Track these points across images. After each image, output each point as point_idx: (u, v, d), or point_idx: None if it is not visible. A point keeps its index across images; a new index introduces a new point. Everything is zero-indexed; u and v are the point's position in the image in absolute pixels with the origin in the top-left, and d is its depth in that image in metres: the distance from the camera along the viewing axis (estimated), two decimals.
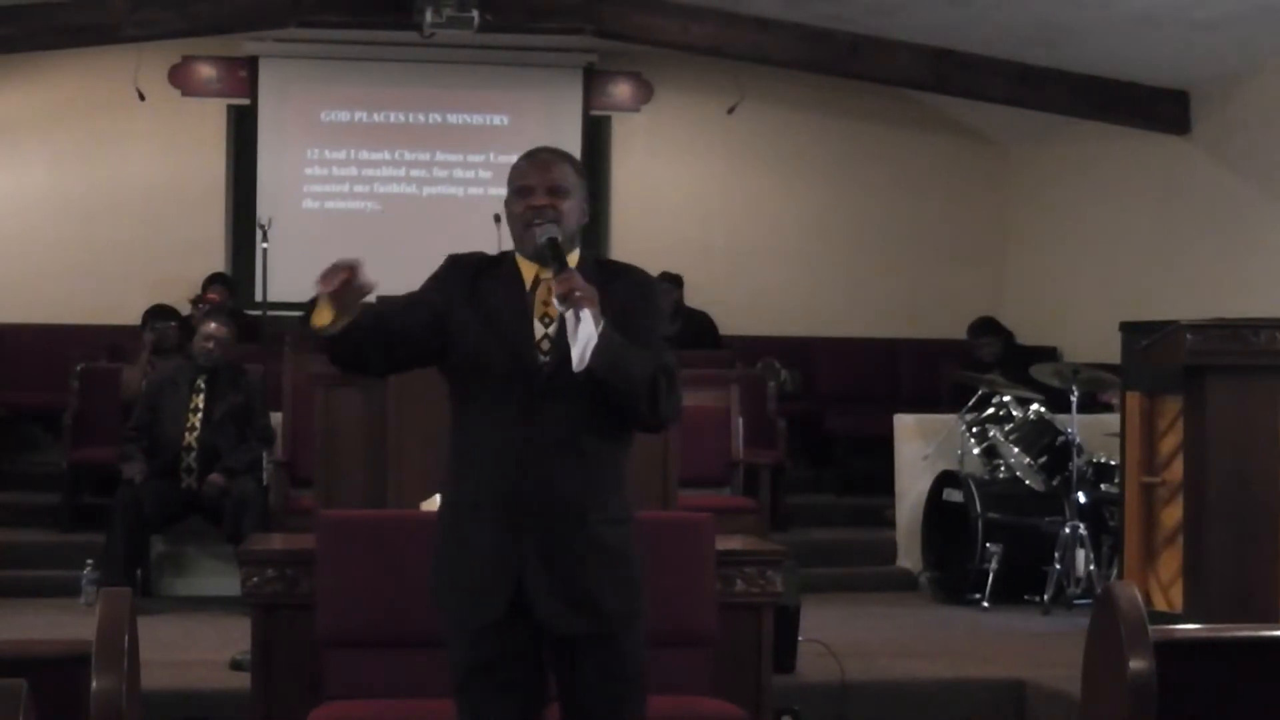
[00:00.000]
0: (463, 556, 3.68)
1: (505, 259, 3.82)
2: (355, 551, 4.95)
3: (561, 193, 3.76)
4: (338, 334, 3.55)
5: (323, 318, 3.53)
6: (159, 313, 10.29)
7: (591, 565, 3.65)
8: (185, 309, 10.79)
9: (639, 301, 3.76)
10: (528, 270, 3.76)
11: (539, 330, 3.70)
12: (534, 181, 3.78)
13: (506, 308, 3.70)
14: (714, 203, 12.25)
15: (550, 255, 3.64)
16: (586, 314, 3.52)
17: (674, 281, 11.64)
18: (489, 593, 3.64)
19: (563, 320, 3.60)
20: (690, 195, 12.30)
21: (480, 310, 3.70)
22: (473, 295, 3.72)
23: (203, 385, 8.50)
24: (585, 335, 3.51)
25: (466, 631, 3.67)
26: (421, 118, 12.08)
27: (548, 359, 3.66)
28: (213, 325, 8.69)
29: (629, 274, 3.84)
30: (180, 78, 11.84)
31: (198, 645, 7.03)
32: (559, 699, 3.74)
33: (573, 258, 3.74)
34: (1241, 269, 9.58)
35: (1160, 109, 10.22)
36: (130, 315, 11.30)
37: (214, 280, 11.15)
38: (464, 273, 3.76)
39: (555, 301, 3.58)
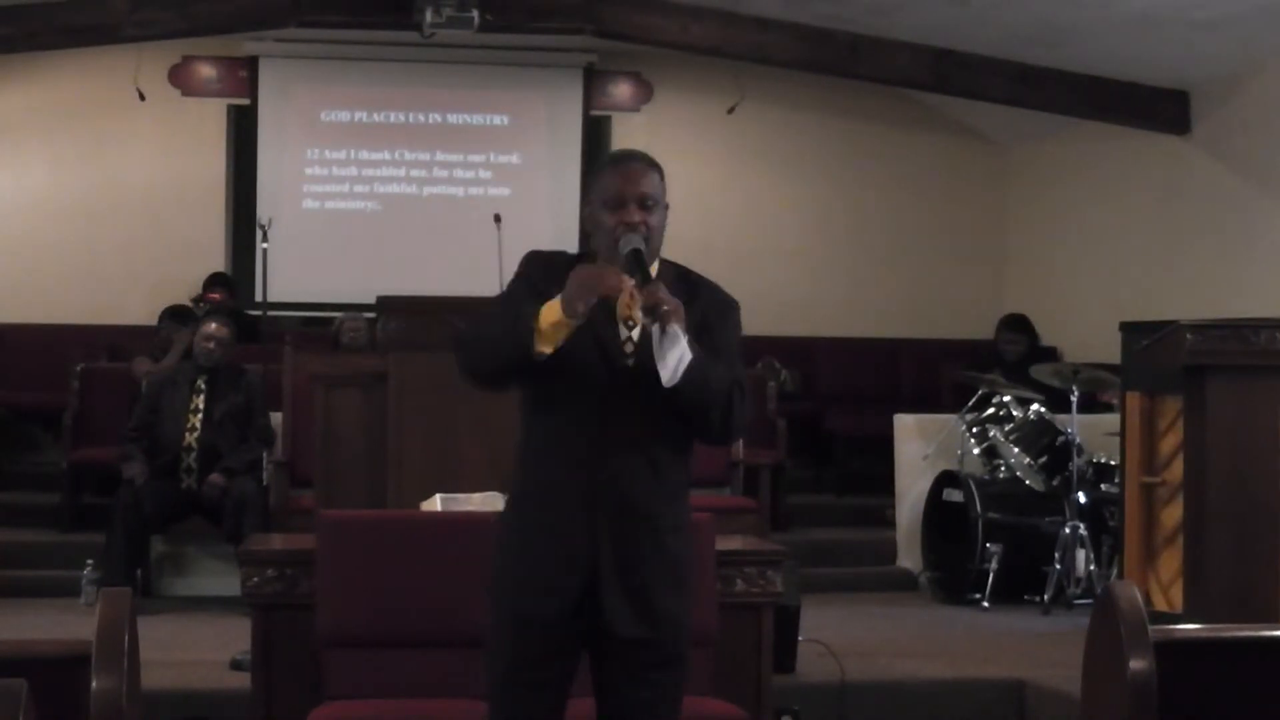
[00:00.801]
0: (534, 550, 3.70)
1: (589, 260, 3.79)
2: (355, 551, 4.96)
3: (652, 205, 3.78)
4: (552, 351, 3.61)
5: (558, 329, 3.59)
6: (178, 314, 10.29)
7: (656, 570, 3.68)
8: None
9: (720, 317, 3.82)
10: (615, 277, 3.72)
11: (623, 333, 3.71)
12: (626, 192, 3.75)
13: (596, 309, 3.67)
14: (714, 203, 12.24)
15: (635, 266, 3.66)
16: (677, 330, 3.56)
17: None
18: (560, 587, 3.66)
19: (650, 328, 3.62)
20: (690, 195, 12.26)
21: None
22: (565, 285, 3.68)
23: (203, 385, 8.51)
24: (679, 352, 3.55)
25: (522, 624, 3.67)
26: (421, 118, 12.09)
27: (631, 362, 3.69)
28: (213, 325, 8.69)
29: (711, 289, 3.89)
30: (180, 78, 11.85)
31: (198, 645, 7.02)
32: (598, 699, 3.75)
33: (654, 267, 3.77)
34: (1241, 269, 9.58)
35: (1160, 109, 10.22)
36: (130, 315, 11.32)
37: (214, 280, 11.15)
38: (551, 271, 3.74)
39: (639, 313, 3.60)
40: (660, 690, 3.73)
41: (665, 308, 3.55)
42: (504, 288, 3.87)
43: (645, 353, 3.64)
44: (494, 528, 3.87)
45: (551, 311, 3.58)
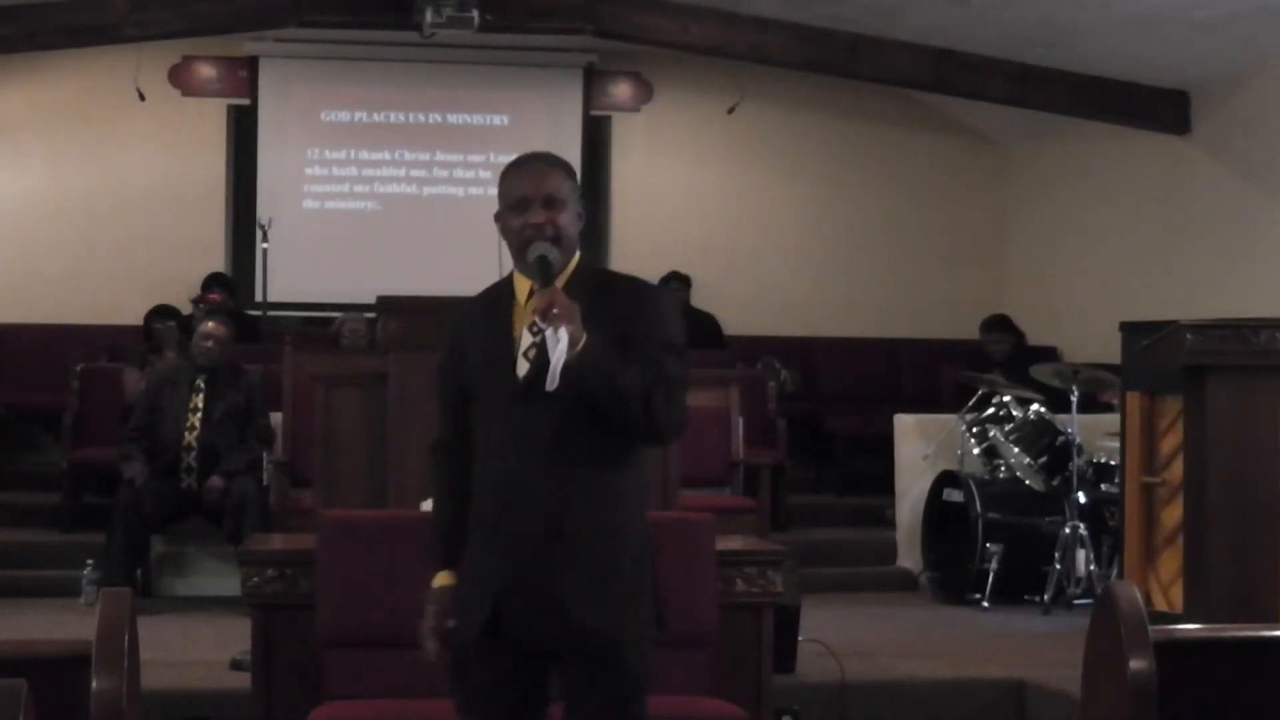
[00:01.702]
0: (462, 572, 3.72)
1: (501, 284, 3.80)
2: (355, 551, 4.96)
3: (558, 204, 3.69)
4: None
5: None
6: (165, 313, 10.30)
7: (569, 582, 3.56)
8: (186, 309, 10.80)
9: (636, 311, 3.66)
10: (523, 284, 3.70)
11: (526, 340, 3.64)
12: (529, 193, 3.68)
13: (498, 325, 3.69)
14: (714, 203, 12.25)
15: (538, 273, 3.58)
16: (562, 332, 3.45)
17: (683, 282, 11.63)
18: (475, 610, 3.63)
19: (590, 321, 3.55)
20: (690, 195, 12.30)
21: (482, 337, 3.73)
22: (474, 328, 3.76)
23: (202, 385, 8.51)
24: (558, 354, 3.46)
25: (458, 647, 3.69)
26: (421, 118, 12.09)
27: (530, 368, 3.60)
28: (211, 324, 8.70)
29: (628, 284, 3.77)
30: (180, 78, 11.85)
31: (198, 645, 7.03)
32: (565, 710, 3.69)
33: (570, 267, 3.69)
34: (1241, 269, 9.58)
35: (1160, 109, 10.22)
36: (130, 316, 11.32)
37: (213, 280, 11.16)
38: (469, 318, 3.80)
39: (536, 319, 3.51)
40: (616, 701, 3.60)
41: (555, 310, 3.46)
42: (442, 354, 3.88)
43: (544, 359, 3.52)
44: None
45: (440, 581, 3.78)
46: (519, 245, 3.65)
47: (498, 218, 3.75)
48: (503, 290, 3.77)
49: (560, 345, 3.47)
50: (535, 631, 3.58)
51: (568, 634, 3.56)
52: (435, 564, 3.79)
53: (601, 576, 3.59)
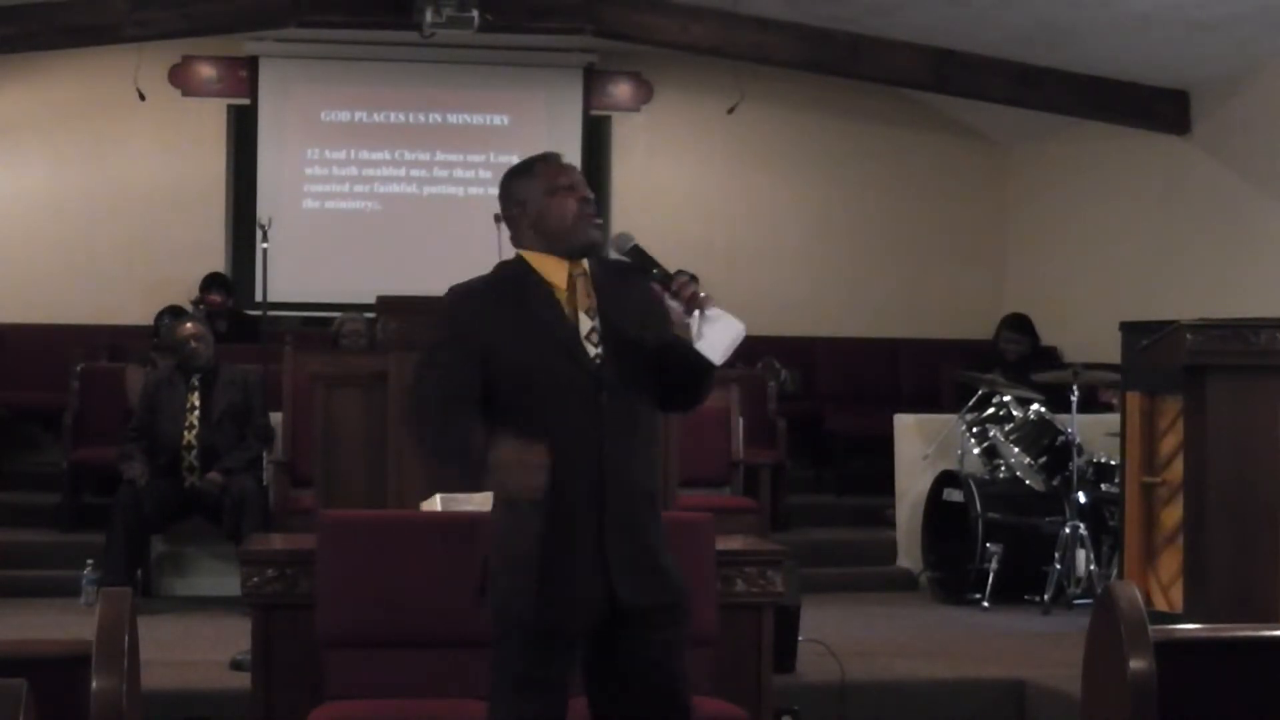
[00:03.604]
0: (548, 560, 3.72)
1: (513, 269, 3.87)
2: (355, 551, 4.96)
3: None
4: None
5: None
6: (176, 314, 10.29)
7: (656, 540, 3.81)
8: (187, 309, 10.79)
9: (657, 297, 3.90)
10: (555, 268, 3.83)
11: (585, 324, 3.79)
12: (574, 180, 3.88)
13: (540, 314, 3.79)
14: (714, 203, 12.25)
15: (644, 258, 3.82)
16: (717, 311, 3.70)
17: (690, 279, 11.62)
18: (583, 596, 3.72)
19: (604, 314, 3.78)
20: (690, 195, 12.30)
21: (519, 324, 3.77)
22: (500, 316, 3.79)
23: (197, 384, 8.52)
24: (728, 327, 3.69)
25: (543, 633, 3.72)
26: (421, 117, 12.09)
27: (599, 350, 3.77)
28: (189, 326, 8.75)
29: (635, 270, 3.91)
30: (180, 78, 11.84)
31: (198, 645, 7.03)
32: (601, 669, 3.80)
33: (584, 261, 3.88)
34: (1241, 269, 9.58)
35: (1160, 109, 10.22)
36: (131, 315, 11.32)
37: (211, 281, 11.16)
38: (478, 303, 3.84)
39: (673, 303, 3.75)
40: (670, 645, 3.81)
41: (701, 294, 3.70)
42: (436, 338, 3.88)
43: (609, 339, 3.76)
44: (491, 537, 3.89)
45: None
46: (573, 223, 3.83)
47: (528, 209, 3.88)
48: (518, 276, 3.85)
49: (732, 324, 3.70)
50: (638, 591, 3.73)
51: (665, 588, 3.79)
52: (478, 451, 3.62)
53: (662, 531, 3.87)
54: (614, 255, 3.98)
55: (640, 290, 3.87)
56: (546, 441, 3.61)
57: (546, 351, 3.74)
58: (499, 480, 3.59)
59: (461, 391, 3.75)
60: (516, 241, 3.94)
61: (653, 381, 3.82)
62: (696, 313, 3.70)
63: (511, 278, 3.86)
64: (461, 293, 3.91)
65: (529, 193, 3.89)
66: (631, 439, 3.78)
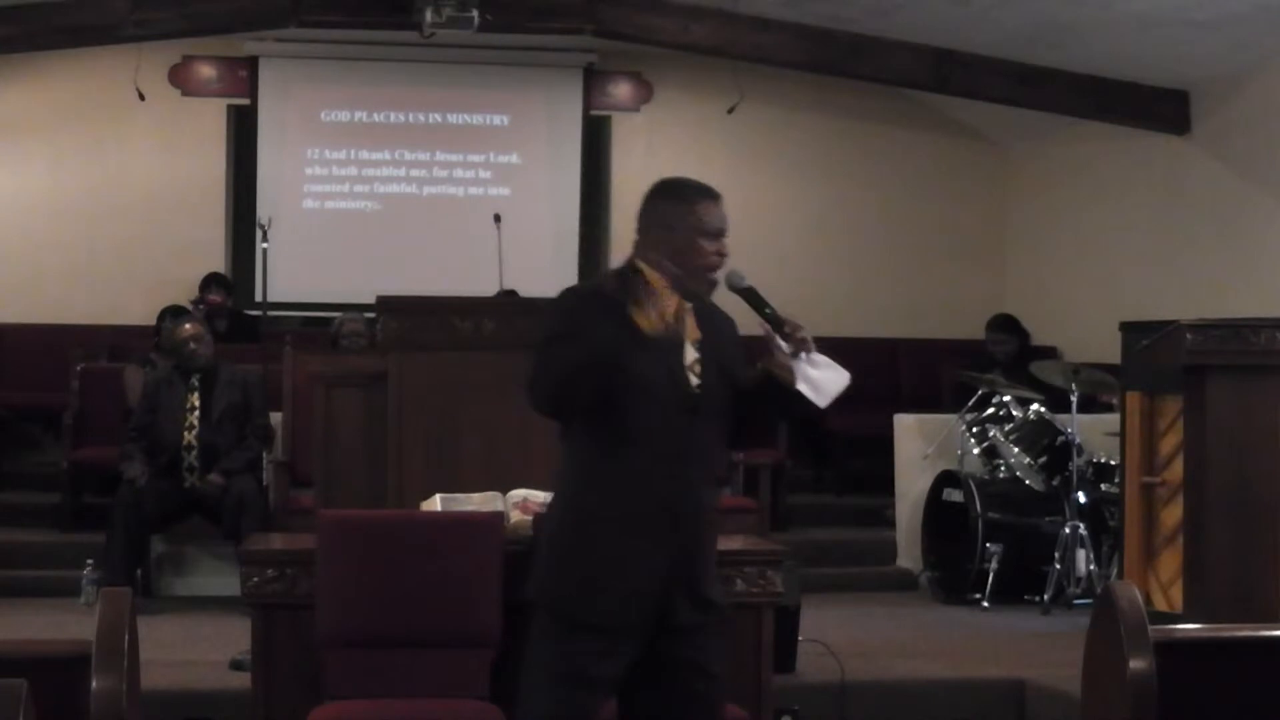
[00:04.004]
0: (613, 565, 3.88)
1: (634, 282, 3.95)
2: (355, 551, 4.96)
3: None
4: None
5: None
6: (177, 314, 10.28)
7: (708, 566, 4.05)
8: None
9: (734, 336, 4.17)
10: (669, 300, 3.95)
11: (690, 354, 3.97)
12: (723, 228, 4.06)
13: (655, 338, 3.90)
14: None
15: (759, 301, 4.05)
16: (823, 359, 3.96)
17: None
18: (641, 597, 3.89)
19: (705, 349, 3.97)
20: None
21: (633, 334, 3.86)
22: (616, 321, 3.87)
23: (197, 384, 8.52)
24: (838, 376, 3.94)
25: (598, 632, 3.87)
26: (421, 117, 12.08)
27: (699, 381, 3.96)
28: (187, 327, 8.74)
29: (722, 314, 4.17)
30: (180, 78, 11.84)
31: (198, 645, 7.03)
32: (642, 668, 3.93)
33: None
34: (1241, 269, 9.58)
35: (1160, 109, 10.22)
36: (131, 315, 11.31)
37: (211, 281, 11.15)
38: (601, 304, 3.91)
39: (782, 344, 3.95)
40: (707, 650, 4.00)
41: (808, 336, 3.97)
42: (549, 333, 3.94)
43: (709, 373, 3.97)
44: (550, 543, 4.01)
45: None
46: (704, 268, 4.00)
47: (659, 232, 4.00)
48: (635, 291, 3.92)
49: (838, 374, 3.95)
50: (686, 609, 3.93)
51: (715, 609, 4.01)
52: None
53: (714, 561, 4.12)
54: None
55: (730, 332, 4.10)
56: (628, 452, 3.86)
57: (651, 367, 3.88)
58: (642, 311, 3.81)
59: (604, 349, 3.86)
60: (642, 254, 4.02)
61: (731, 419, 4.07)
62: (802, 355, 3.90)
63: (632, 290, 3.94)
64: (581, 293, 4.05)
65: (681, 222, 4.00)
66: (706, 467, 4.03)
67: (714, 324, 4.06)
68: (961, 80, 10.26)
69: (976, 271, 12.35)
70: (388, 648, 4.93)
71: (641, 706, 4.00)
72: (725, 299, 4.15)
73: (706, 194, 4.06)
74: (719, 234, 4.02)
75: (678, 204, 4.02)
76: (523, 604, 4.13)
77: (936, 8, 9.37)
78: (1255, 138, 9.57)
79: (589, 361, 3.80)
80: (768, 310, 4.02)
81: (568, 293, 4.06)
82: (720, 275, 4.03)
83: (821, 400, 3.95)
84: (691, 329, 4.00)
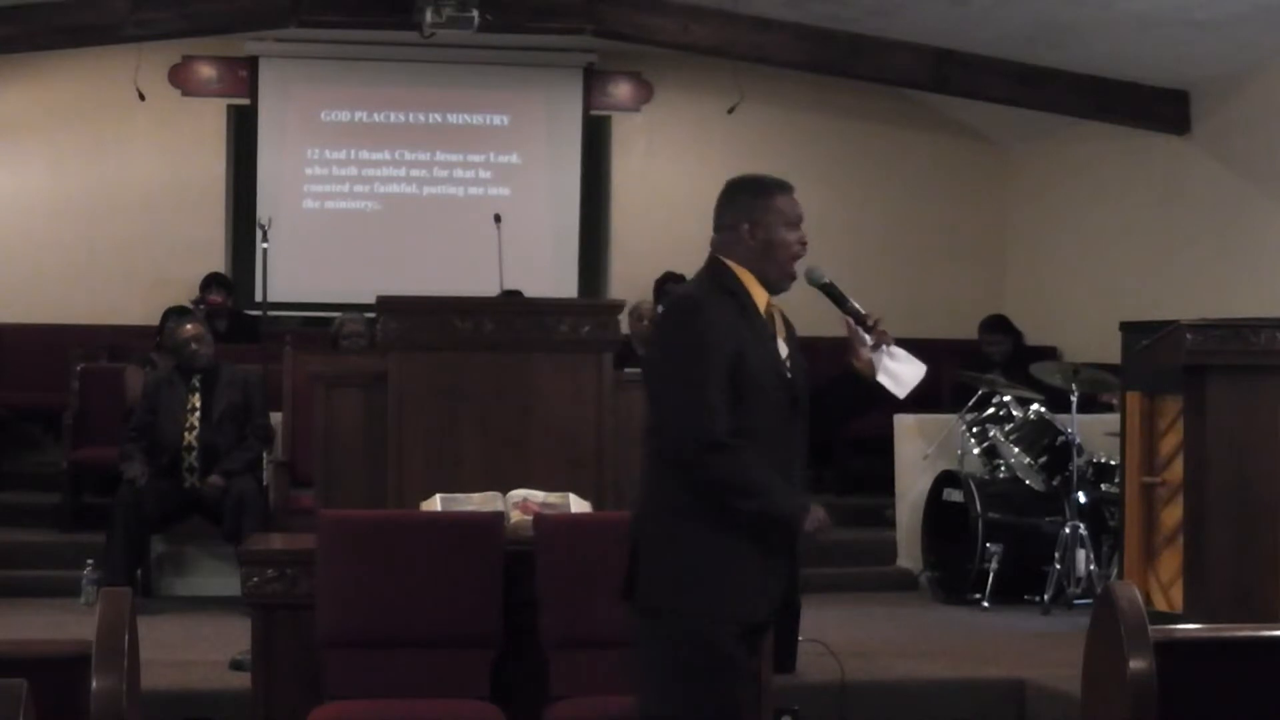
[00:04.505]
0: (744, 560, 3.90)
1: (730, 283, 4.00)
2: (356, 551, 4.96)
3: None
4: None
5: None
6: (176, 314, 10.29)
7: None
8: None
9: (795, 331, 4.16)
10: (759, 293, 4.01)
11: (784, 350, 4.02)
12: (801, 215, 4.08)
13: (764, 332, 3.97)
14: (713, 203, 12.21)
15: (837, 294, 4.11)
16: (901, 351, 4.02)
17: (678, 281, 11.64)
18: (772, 590, 3.97)
19: (790, 342, 4.02)
20: (690, 195, 12.26)
21: (751, 339, 3.92)
22: (738, 326, 3.92)
23: (197, 384, 8.52)
24: (916, 369, 4.02)
25: (743, 632, 3.92)
26: (421, 117, 12.08)
27: (791, 377, 3.99)
28: (189, 327, 8.74)
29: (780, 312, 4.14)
30: (180, 77, 11.84)
31: (198, 645, 7.02)
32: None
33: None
34: (1241, 269, 9.58)
35: (1160, 109, 10.21)
36: (131, 315, 11.32)
37: (211, 281, 11.15)
38: (719, 312, 3.93)
39: (866, 338, 4.02)
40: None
41: (888, 333, 4.03)
42: (687, 351, 3.88)
43: (797, 368, 4.01)
44: (673, 549, 3.93)
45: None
46: (788, 259, 4.04)
47: (746, 228, 4.04)
48: (737, 294, 3.99)
49: (914, 366, 4.04)
50: (795, 598, 4.18)
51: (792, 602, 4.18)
52: (794, 500, 3.91)
53: None
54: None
55: (790, 325, 4.09)
56: (756, 449, 3.87)
57: (765, 369, 3.92)
58: (814, 526, 3.89)
59: (727, 404, 3.86)
60: (725, 251, 4.06)
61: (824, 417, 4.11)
62: (882, 348, 3.98)
63: (729, 290, 3.98)
64: (700, 299, 3.97)
65: (767, 217, 4.04)
66: (803, 459, 4.06)
67: (785, 319, 4.09)
68: (961, 80, 10.25)
69: (976, 271, 12.36)
70: (388, 648, 4.93)
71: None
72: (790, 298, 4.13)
73: (784, 186, 4.11)
74: (799, 223, 4.06)
75: (758, 197, 4.08)
76: (646, 610, 3.97)
77: (936, 8, 9.37)
78: (1255, 138, 9.57)
79: (778, 513, 3.88)
80: (850, 304, 4.07)
81: (681, 306, 4.00)
82: (801, 268, 4.07)
83: (901, 392, 4.03)
84: (780, 325, 4.04)
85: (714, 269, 4.05)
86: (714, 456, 3.82)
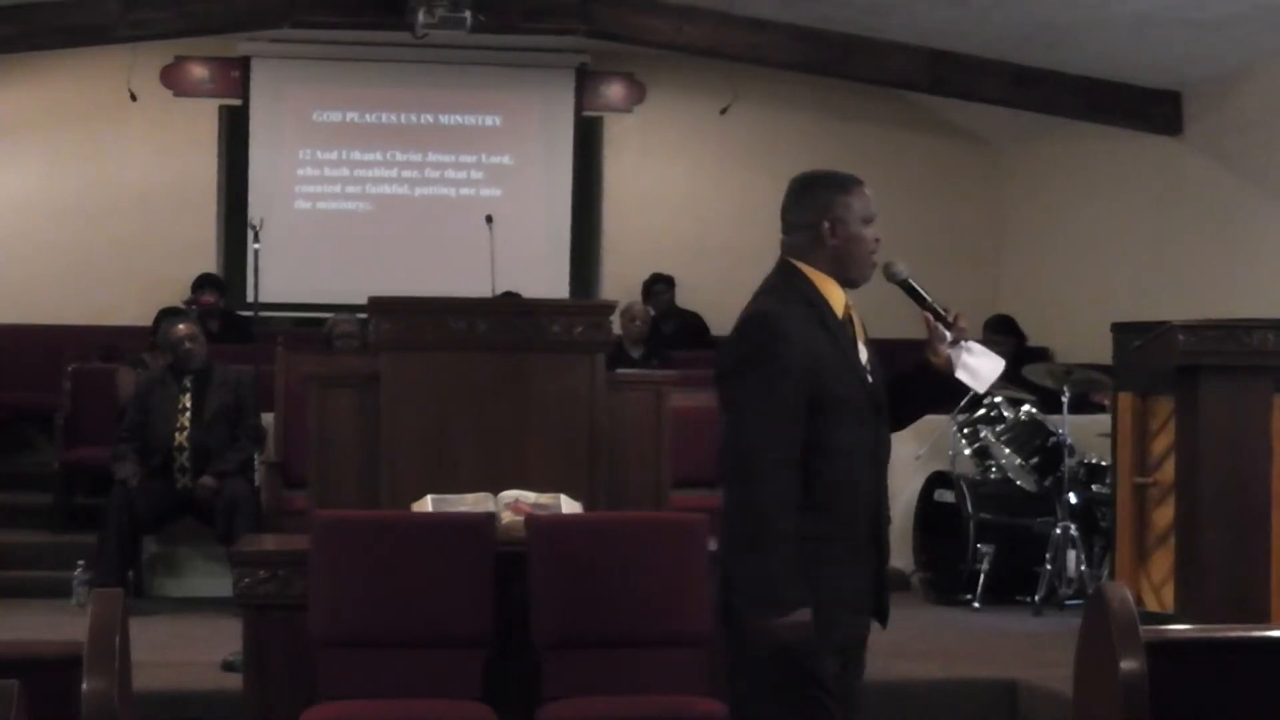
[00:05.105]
0: (847, 582, 3.81)
1: (805, 290, 3.88)
2: (348, 551, 4.97)
3: None
4: None
5: None
6: (171, 314, 10.28)
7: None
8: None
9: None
10: (836, 294, 3.91)
11: (863, 353, 3.91)
12: (875, 211, 4.01)
13: (839, 337, 3.85)
14: (707, 203, 12.24)
15: (909, 291, 4.04)
16: (979, 346, 3.93)
17: (666, 282, 11.67)
18: (865, 604, 3.90)
19: (869, 344, 3.93)
20: (683, 196, 12.29)
21: (829, 348, 3.81)
22: (814, 337, 3.80)
23: (189, 385, 8.51)
24: (994, 364, 3.93)
25: (839, 648, 3.83)
26: (414, 118, 12.08)
27: (873, 381, 3.88)
28: (182, 327, 8.74)
29: None
30: (173, 78, 11.83)
31: (190, 646, 7.02)
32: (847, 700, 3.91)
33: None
34: (1234, 269, 9.59)
35: (1153, 110, 10.23)
36: (124, 316, 11.31)
37: (203, 281, 11.15)
38: (802, 326, 3.79)
39: (946, 334, 3.91)
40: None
41: (965, 325, 3.92)
42: (765, 372, 3.73)
43: (875, 369, 3.90)
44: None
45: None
46: (865, 255, 3.95)
47: (827, 226, 3.93)
48: (812, 298, 3.87)
49: (992, 360, 3.95)
50: (886, 613, 3.97)
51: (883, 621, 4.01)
52: (797, 597, 3.66)
53: None
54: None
55: (864, 329, 3.96)
56: (839, 461, 3.74)
57: (845, 377, 3.79)
58: (781, 630, 3.63)
59: (794, 436, 3.68)
60: (799, 254, 3.93)
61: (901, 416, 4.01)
62: (961, 343, 3.90)
63: (807, 299, 3.86)
64: (775, 313, 3.81)
65: (845, 213, 3.94)
66: (887, 463, 3.93)
67: (859, 320, 3.97)
68: (956, 81, 10.26)
69: (971, 272, 12.36)
70: (380, 648, 4.93)
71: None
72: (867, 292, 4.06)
73: (858, 181, 4.01)
74: (873, 219, 3.98)
75: (835, 193, 3.95)
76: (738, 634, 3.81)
77: (932, 8, 9.38)
78: (1248, 139, 9.58)
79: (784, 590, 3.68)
80: (929, 300, 3.99)
81: (757, 323, 3.81)
82: (901, 268, 4.01)
83: (980, 386, 3.97)
84: (859, 327, 3.94)
85: (788, 275, 3.91)
86: (756, 497, 3.66)
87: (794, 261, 3.92)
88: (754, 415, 3.69)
